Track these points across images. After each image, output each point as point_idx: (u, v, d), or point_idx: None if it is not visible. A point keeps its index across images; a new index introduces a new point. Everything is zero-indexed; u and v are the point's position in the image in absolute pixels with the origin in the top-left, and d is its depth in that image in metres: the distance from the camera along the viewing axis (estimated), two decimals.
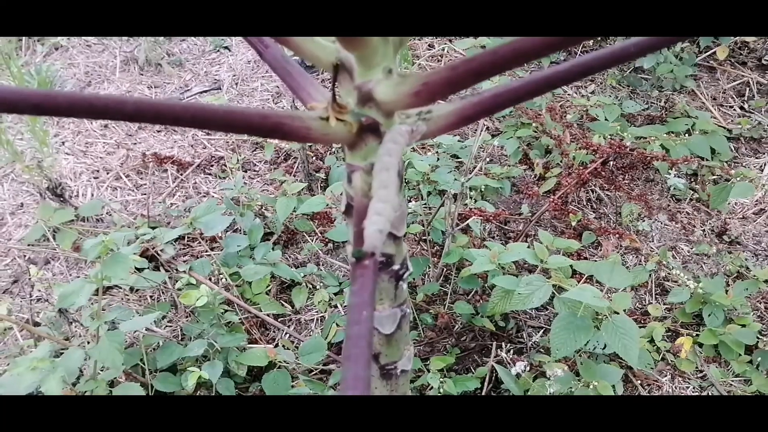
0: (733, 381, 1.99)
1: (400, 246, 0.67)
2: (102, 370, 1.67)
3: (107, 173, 2.65)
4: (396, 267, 0.68)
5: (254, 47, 0.67)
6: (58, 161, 2.59)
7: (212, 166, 2.72)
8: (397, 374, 0.78)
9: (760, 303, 2.18)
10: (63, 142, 2.74)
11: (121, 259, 1.43)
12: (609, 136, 2.48)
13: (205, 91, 3.12)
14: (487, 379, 1.94)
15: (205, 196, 2.59)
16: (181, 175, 2.66)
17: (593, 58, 0.57)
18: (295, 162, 2.67)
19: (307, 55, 0.55)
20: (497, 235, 2.39)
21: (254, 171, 2.72)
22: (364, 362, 0.41)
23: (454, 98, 0.59)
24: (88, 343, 1.75)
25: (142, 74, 3.19)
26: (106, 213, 2.46)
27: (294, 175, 2.63)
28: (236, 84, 3.15)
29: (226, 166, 2.67)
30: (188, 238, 2.37)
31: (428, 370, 1.92)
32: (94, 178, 2.63)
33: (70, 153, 2.71)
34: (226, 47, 3.38)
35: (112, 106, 0.47)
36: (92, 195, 2.56)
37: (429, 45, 3.35)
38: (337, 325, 2.11)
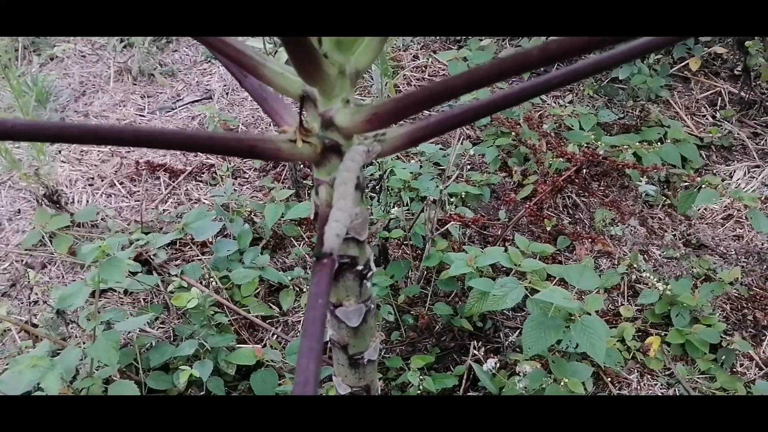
0: (698, 378, 2.10)
1: (363, 249, 0.77)
2: (98, 369, 1.76)
3: (102, 180, 2.74)
4: (360, 267, 0.78)
5: (234, 76, 0.77)
6: (54, 169, 2.68)
7: (203, 173, 2.81)
8: (364, 363, 0.88)
9: (726, 304, 2.29)
10: (59, 151, 2.83)
11: (117, 263, 1.53)
12: (584, 145, 2.58)
13: (197, 101, 3.21)
14: (465, 377, 2.04)
15: (196, 203, 2.69)
16: (173, 182, 2.75)
17: (544, 80, 0.66)
18: (283, 169, 2.77)
19: (277, 88, 0.65)
20: (477, 240, 2.49)
21: (244, 178, 2.82)
22: (318, 337, 0.51)
23: (407, 121, 0.69)
24: (84, 343, 1.85)
25: (135, 84, 3.29)
26: (101, 219, 2.56)
27: (282, 182, 2.73)
28: (227, 93, 3.25)
29: (216, 173, 2.76)
30: (180, 243, 2.46)
31: (409, 369, 2.02)
32: (89, 185, 2.72)
33: (65, 161, 2.80)
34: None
35: (109, 134, 0.57)
36: (87, 201, 2.65)
37: (414, 56, 3.46)
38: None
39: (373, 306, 0.84)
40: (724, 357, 2.11)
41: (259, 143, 0.62)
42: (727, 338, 2.13)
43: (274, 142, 0.63)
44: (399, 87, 3.19)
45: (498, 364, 1.86)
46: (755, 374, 2.13)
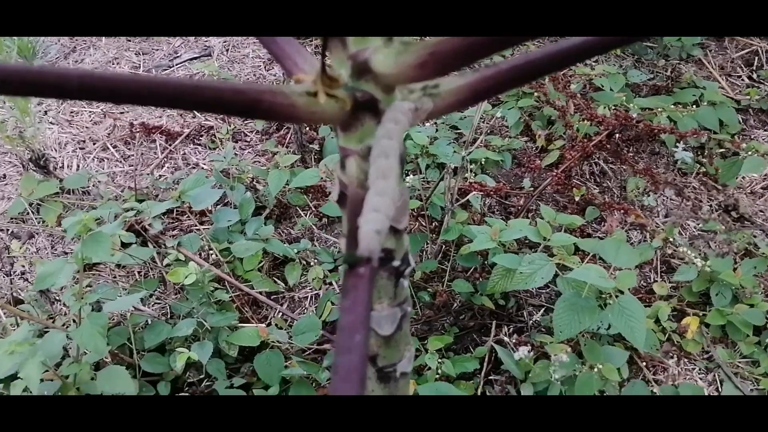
0: (740, 362, 1.94)
1: (401, 240, 0.59)
2: (86, 352, 1.59)
3: (93, 144, 2.55)
4: (396, 263, 0.60)
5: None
6: (41, 131, 2.49)
7: (202, 136, 2.62)
8: (396, 377, 0.71)
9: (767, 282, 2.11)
10: (46, 112, 2.63)
11: (102, 239, 1.35)
12: (614, 107, 2.38)
13: (195, 58, 3.00)
14: (486, 359, 1.88)
15: (194, 168, 2.50)
16: (170, 145, 2.56)
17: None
18: (287, 132, 2.57)
19: None
20: (497, 210, 2.31)
21: (245, 141, 2.63)
22: (356, 390, 0.33)
23: (465, 71, 0.50)
24: (73, 321, 1.68)
25: (129, 40, 3.08)
26: (92, 185, 2.37)
27: (287, 147, 2.53)
28: (227, 50, 3.04)
29: (215, 136, 2.57)
30: (177, 212, 2.28)
31: (426, 351, 1.85)
32: (80, 148, 2.53)
33: (54, 122, 2.61)
34: None
35: (53, 82, 0.38)
36: (78, 167, 2.46)
37: None
38: (332, 303, 2.04)
39: (409, 309, 0.66)
40: None
41: (267, 96, 0.43)
42: None
43: (287, 95, 0.45)
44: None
45: (531, 353, 1.69)
46: None
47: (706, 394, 1.86)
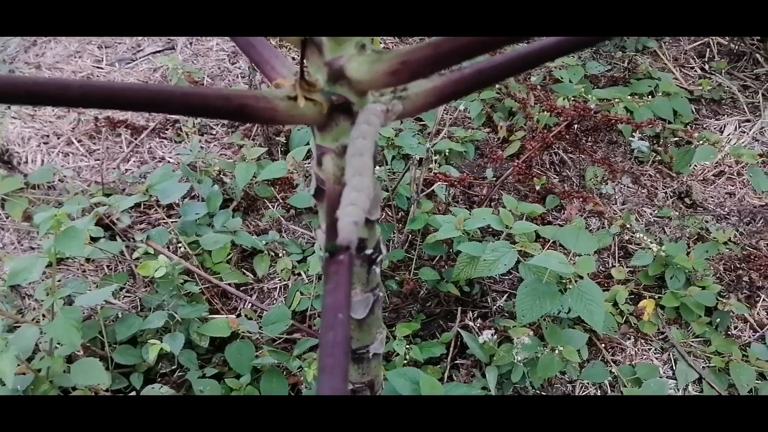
0: (693, 342, 2.03)
1: (373, 230, 0.64)
2: (59, 345, 1.61)
3: (58, 138, 2.54)
4: (369, 251, 0.64)
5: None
6: (4, 125, 2.47)
7: (167, 129, 2.63)
8: (369, 358, 0.75)
9: (719, 265, 2.21)
10: (8, 106, 2.61)
11: (75, 234, 1.36)
12: (573, 99, 2.46)
13: (159, 52, 3.00)
14: (452, 344, 1.94)
15: (160, 162, 2.51)
16: (136, 139, 2.56)
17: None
18: (253, 125, 2.59)
19: None
20: (462, 200, 2.37)
21: (211, 135, 2.64)
22: (341, 373, 0.38)
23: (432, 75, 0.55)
24: (43, 317, 1.69)
25: None
26: (58, 180, 2.36)
27: (253, 139, 2.56)
28: (190, 43, 3.04)
29: (181, 129, 2.58)
30: (144, 205, 2.29)
31: (394, 337, 1.90)
32: (44, 143, 2.52)
33: (16, 117, 2.59)
34: None
35: (55, 91, 0.42)
36: (42, 161, 2.45)
37: None
38: (300, 293, 2.08)
39: (381, 294, 0.71)
40: (719, 320, 2.05)
41: (251, 101, 0.47)
42: (722, 300, 2.06)
43: (269, 100, 0.48)
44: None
45: (495, 336, 1.75)
46: (750, 336, 2.07)
47: (662, 373, 1.95)
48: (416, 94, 0.54)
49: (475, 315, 2.03)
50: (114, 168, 2.44)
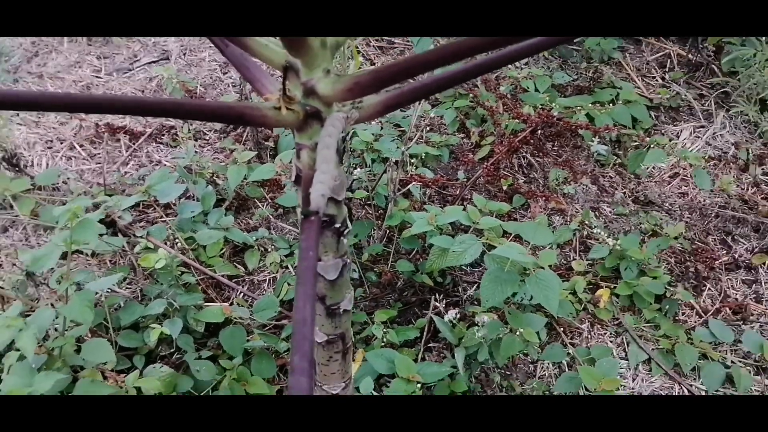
0: (644, 327, 2.23)
1: (340, 208, 0.83)
2: (68, 329, 1.79)
3: (61, 143, 2.72)
4: (338, 225, 0.84)
5: (216, 45, 0.81)
6: (11, 132, 2.65)
7: (163, 135, 2.82)
8: (340, 313, 0.95)
9: (671, 257, 2.42)
10: (16, 113, 2.79)
11: (89, 224, 1.56)
12: (539, 106, 2.67)
13: (154, 62, 3.19)
14: (426, 329, 2.13)
15: (157, 165, 2.70)
16: (134, 144, 2.75)
17: (510, 51, 0.72)
18: (244, 131, 2.79)
19: (261, 58, 0.70)
20: (436, 199, 2.57)
21: (204, 140, 2.83)
22: (312, 283, 0.57)
23: (382, 90, 0.75)
24: (56, 303, 1.88)
25: (90, 45, 3.24)
26: (62, 182, 2.55)
27: (244, 144, 2.75)
28: (184, 54, 3.23)
29: (177, 135, 2.77)
30: (143, 205, 2.48)
31: (373, 323, 2.10)
32: (48, 148, 2.70)
33: (22, 123, 2.77)
34: None
35: (100, 103, 0.61)
36: (47, 164, 2.64)
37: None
38: (288, 284, 2.27)
39: (348, 261, 0.91)
40: (668, 307, 2.25)
41: (248, 111, 0.67)
42: (671, 289, 2.27)
43: (260, 109, 0.68)
44: (363, 56, 3.22)
45: (458, 315, 1.96)
46: (695, 322, 2.28)
47: (615, 354, 2.16)
48: (369, 105, 0.73)
49: (448, 303, 2.23)
50: (114, 170, 2.63)
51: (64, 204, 2.43)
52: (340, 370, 1.05)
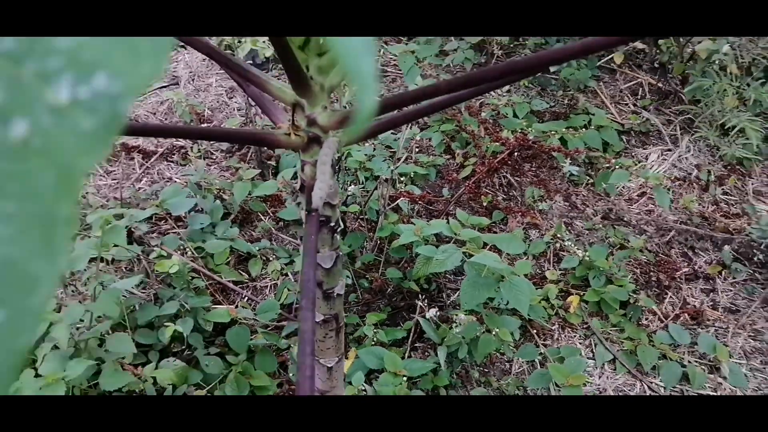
0: (610, 330, 2.47)
1: (334, 211, 1.08)
2: (96, 323, 2.02)
3: None
4: (332, 224, 1.08)
5: (239, 84, 1.06)
6: None
7: (174, 154, 3.07)
8: (334, 296, 1.19)
9: (636, 268, 2.67)
10: None
11: (119, 231, 1.80)
12: (518, 131, 2.93)
13: (164, 87, 3.45)
14: (412, 330, 2.37)
15: (168, 181, 2.94)
16: (147, 162, 3.00)
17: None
18: (248, 151, 3.04)
19: (276, 97, 0.94)
20: (423, 214, 2.82)
21: (212, 159, 3.08)
22: (314, 260, 0.82)
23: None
24: (80, 301, 2.11)
25: None
26: (81, 196, 2.79)
27: (248, 163, 3.00)
28: (193, 80, 3.49)
29: (187, 154, 3.02)
30: (156, 217, 2.72)
31: (365, 324, 2.34)
32: None
33: None
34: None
35: (162, 130, 0.85)
36: None
37: None
38: (288, 289, 2.50)
39: (341, 253, 1.15)
40: (631, 312, 2.49)
41: (267, 136, 0.92)
42: (635, 296, 2.51)
43: (275, 135, 0.93)
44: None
45: (438, 313, 2.20)
46: (657, 326, 2.51)
47: (583, 354, 2.39)
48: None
49: (432, 307, 2.47)
50: (129, 186, 2.87)
51: (84, 215, 2.68)
52: (335, 345, 1.29)
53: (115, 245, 2.45)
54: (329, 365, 1.33)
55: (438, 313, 2.20)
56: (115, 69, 0.25)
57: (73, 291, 2.25)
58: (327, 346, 1.29)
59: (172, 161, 3.04)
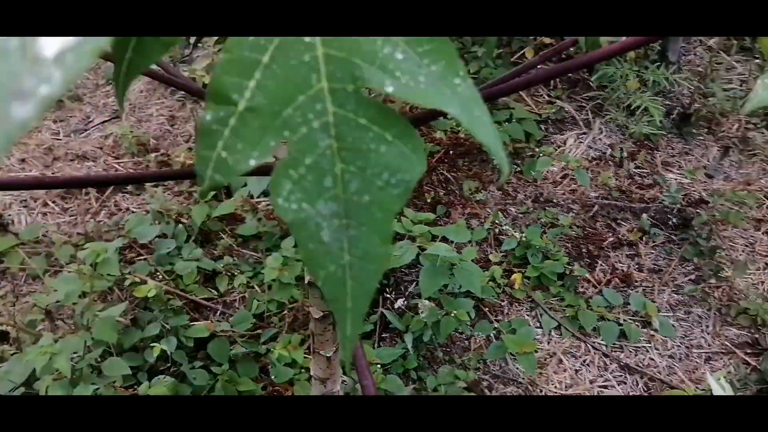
0: (552, 300, 2.76)
1: None
2: (89, 352, 2.16)
3: (35, 201, 3.06)
4: None
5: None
6: None
7: (127, 185, 3.19)
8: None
9: (567, 243, 2.97)
10: None
11: (112, 262, 1.95)
12: (449, 130, 3.19)
13: (107, 121, 3.55)
14: (378, 323, 2.60)
15: (126, 212, 3.07)
16: (102, 195, 3.12)
17: None
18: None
19: None
20: None
21: (164, 185, 3.21)
22: None
23: None
24: (80, 327, 2.24)
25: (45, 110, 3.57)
26: (43, 235, 2.89)
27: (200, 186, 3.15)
28: (134, 111, 3.61)
29: (141, 184, 3.14)
30: (120, 247, 2.84)
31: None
32: (24, 206, 3.03)
33: None
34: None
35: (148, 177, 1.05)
36: (26, 221, 2.97)
37: None
38: (257, 300, 2.68)
39: None
40: (569, 282, 2.79)
41: None
42: (570, 268, 2.81)
43: None
44: None
45: (405, 302, 2.43)
46: (592, 292, 2.82)
47: (531, 324, 2.67)
48: None
49: (393, 299, 2.70)
50: (88, 220, 2.98)
51: (50, 253, 2.79)
52: (332, 338, 1.50)
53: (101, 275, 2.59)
54: (328, 355, 1.54)
55: (405, 302, 2.43)
56: None
57: (64, 324, 2.37)
58: (326, 338, 1.50)
59: (126, 192, 3.16)
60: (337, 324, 0.43)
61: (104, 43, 0.29)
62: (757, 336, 2.64)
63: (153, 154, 3.29)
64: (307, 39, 0.37)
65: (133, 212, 3.05)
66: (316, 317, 1.45)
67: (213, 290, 2.75)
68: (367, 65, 0.38)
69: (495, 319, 2.69)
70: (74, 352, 2.17)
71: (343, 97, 0.38)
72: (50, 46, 0.28)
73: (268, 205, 2.96)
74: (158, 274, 2.67)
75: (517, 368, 2.52)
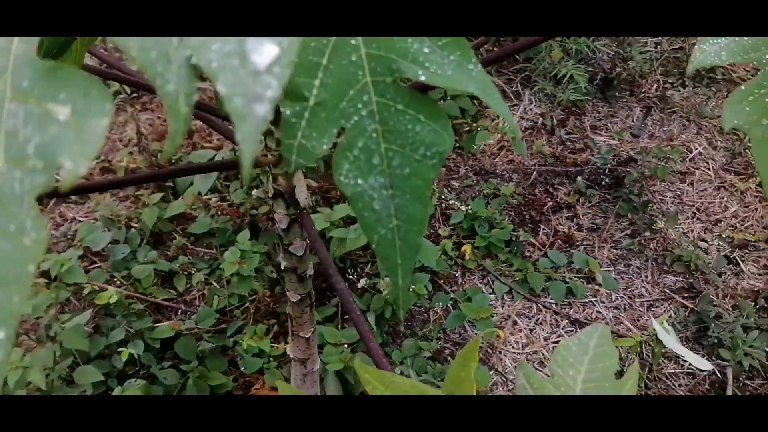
0: (501, 267, 2.90)
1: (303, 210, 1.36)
2: (59, 362, 2.17)
3: None
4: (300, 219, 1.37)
5: (206, 122, 1.31)
6: None
7: (70, 194, 3.15)
8: (306, 278, 1.47)
9: (510, 211, 3.11)
10: None
11: (76, 270, 1.96)
12: None
13: None
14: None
15: (72, 222, 3.04)
16: (45, 207, 3.07)
17: None
18: None
19: None
20: (323, 203, 3.11)
21: (110, 192, 3.19)
22: (321, 244, 1.10)
23: None
24: (44, 339, 2.23)
25: None
26: None
27: (145, 189, 3.15)
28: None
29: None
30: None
31: None
32: None
33: None
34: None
35: (146, 177, 1.10)
36: None
37: None
38: (217, 296, 2.72)
39: (308, 242, 1.44)
40: (515, 248, 2.93)
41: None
42: (515, 234, 2.94)
43: (257, 155, 1.20)
44: None
45: (367, 282, 2.52)
46: (538, 255, 2.97)
47: (484, 291, 2.80)
48: None
49: (351, 281, 2.78)
50: None
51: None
52: (309, 319, 1.57)
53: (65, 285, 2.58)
54: (306, 336, 1.61)
55: (366, 281, 2.51)
56: None
57: (28, 338, 2.36)
58: (303, 320, 1.57)
59: (70, 201, 3.12)
60: (390, 278, 0.50)
61: (294, 56, 0.36)
62: (692, 281, 2.84)
63: (93, 162, 3.25)
64: (352, 41, 0.44)
65: (80, 221, 3.02)
66: (294, 300, 1.52)
67: (172, 290, 2.77)
68: (402, 59, 0.45)
69: (450, 290, 2.80)
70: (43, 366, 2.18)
71: (383, 88, 0.46)
72: (261, 61, 0.35)
73: (218, 201, 2.99)
74: (116, 279, 2.67)
75: (476, 333, 2.65)
